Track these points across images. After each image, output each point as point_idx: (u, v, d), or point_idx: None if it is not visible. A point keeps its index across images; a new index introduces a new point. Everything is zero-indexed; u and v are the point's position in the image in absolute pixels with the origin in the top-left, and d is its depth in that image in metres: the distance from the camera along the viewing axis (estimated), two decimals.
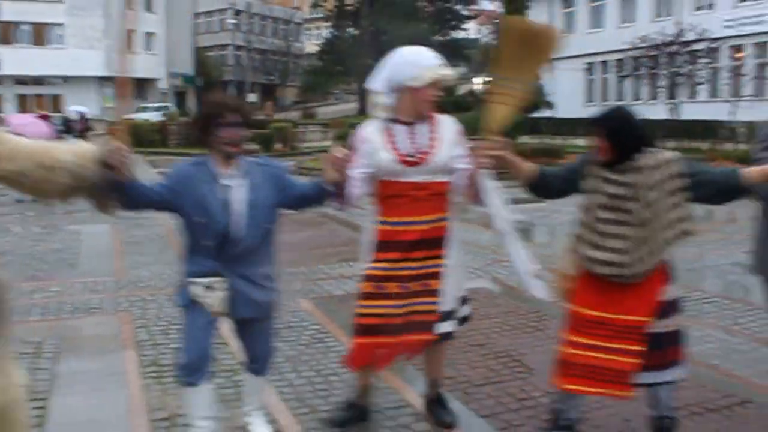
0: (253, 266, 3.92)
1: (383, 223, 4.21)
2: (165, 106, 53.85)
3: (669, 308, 3.95)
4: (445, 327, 4.27)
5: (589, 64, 43.09)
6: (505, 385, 5.27)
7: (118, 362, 5.82)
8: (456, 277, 4.31)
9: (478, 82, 55.65)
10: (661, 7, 38.56)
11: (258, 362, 4.21)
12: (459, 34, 62.48)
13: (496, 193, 4.22)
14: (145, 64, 59.91)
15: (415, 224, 4.16)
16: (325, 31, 71.37)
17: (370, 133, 4.20)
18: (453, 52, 60.39)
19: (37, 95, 56.14)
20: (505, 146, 4.13)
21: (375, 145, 4.14)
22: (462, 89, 56.38)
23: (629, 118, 3.89)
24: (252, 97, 59.34)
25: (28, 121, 22.10)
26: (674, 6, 37.07)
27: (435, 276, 4.21)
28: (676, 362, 3.99)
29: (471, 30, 66.36)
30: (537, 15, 38.71)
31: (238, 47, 73.96)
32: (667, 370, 3.96)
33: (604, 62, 42.28)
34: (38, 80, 56.28)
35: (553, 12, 44.62)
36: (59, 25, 55.61)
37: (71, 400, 5.08)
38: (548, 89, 34.70)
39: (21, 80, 55.57)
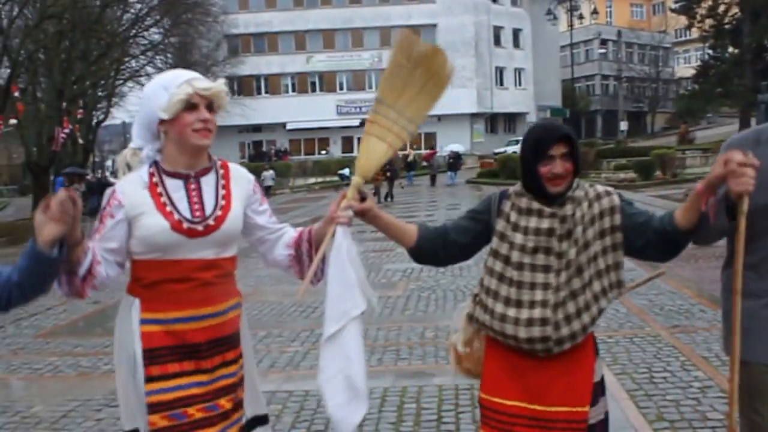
0: None
1: (151, 322, 2.91)
2: None
3: (598, 391, 3.01)
4: None
5: None
6: None
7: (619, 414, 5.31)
8: (251, 381, 3.15)
9: None
10: None
11: None
12: None
13: (351, 262, 3.01)
14: (514, 99, 60.92)
15: (202, 319, 2.94)
16: (696, 53, 67.83)
17: (130, 191, 2.92)
18: None
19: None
20: (369, 197, 3.08)
21: (138, 207, 2.88)
22: None
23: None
24: (623, 126, 57.49)
25: None
26: None
27: (232, 389, 3.01)
28: None
29: None
30: None
31: (605, 77, 72.77)
32: None
33: None
34: None
35: None
36: None
37: None
38: None
39: None
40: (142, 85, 40.51)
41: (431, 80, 3.15)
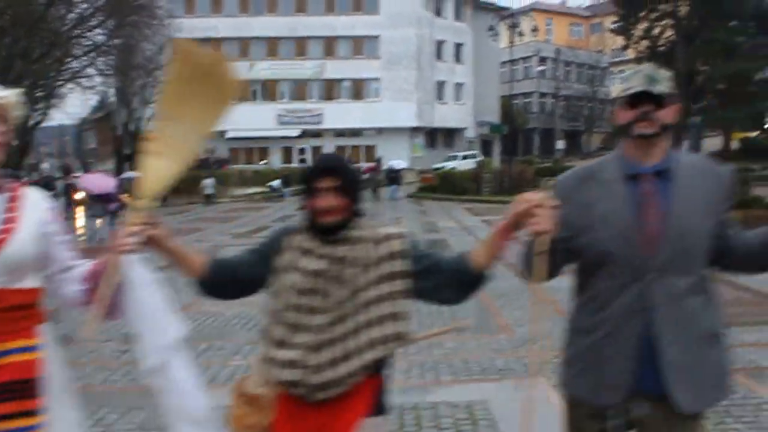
0: None
1: None
2: (473, 155, 54.86)
3: None
4: None
5: None
6: None
7: None
8: None
9: None
10: None
11: None
12: None
13: (148, 290, 2.80)
14: (453, 114, 61.47)
15: None
16: None
17: None
18: None
19: (353, 146, 59.21)
20: (155, 221, 2.83)
21: None
22: None
23: (355, 169, 2.93)
24: (560, 144, 58.46)
25: (96, 176, 23.51)
26: None
27: None
28: None
29: None
30: None
31: (543, 94, 73.84)
32: None
33: None
34: (355, 132, 59.34)
35: None
36: (376, 80, 58.46)
37: None
38: None
39: (340, 133, 59.15)
40: (83, 86, 39.91)
41: (215, 91, 2.99)
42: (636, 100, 2.77)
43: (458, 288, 2.81)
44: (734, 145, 55.97)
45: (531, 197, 2.60)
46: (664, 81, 2.78)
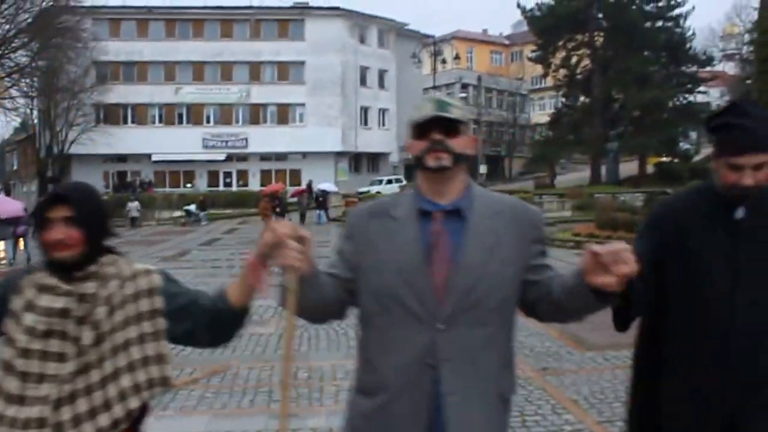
0: None
1: None
2: (397, 179, 55.61)
3: None
4: None
5: None
6: None
7: None
8: None
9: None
10: None
11: None
12: (696, 98, 59.99)
13: None
14: (378, 139, 62.24)
15: None
16: (550, 101, 71.08)
17: None
18: (688, 116, 58.30)
19: (278, 170, 59.50)
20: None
21: None
22: (699, 155, 54.17)
23: (100, 199, 2.60)
24: (482, 169, 59.60)
25: (3, 200, 23.88)
26: None
27: None
28: None
29: (709, 93, 63.73)
30: None
31: None
32: None
33: None
34: (280, 156, 59.63)
35: None
36: (301, 105, 58.96)
37: None
38: None
39: (265, 157, 59.30)
40: (5, 108, 39.45)
41: None
42: (427, 128, 2.49)
43: (215, 330, 2.59)
44: (650, 169, 57.82)
45: (279, 228, 2.36)
46: (457, 107, 2.52)
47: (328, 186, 43.14)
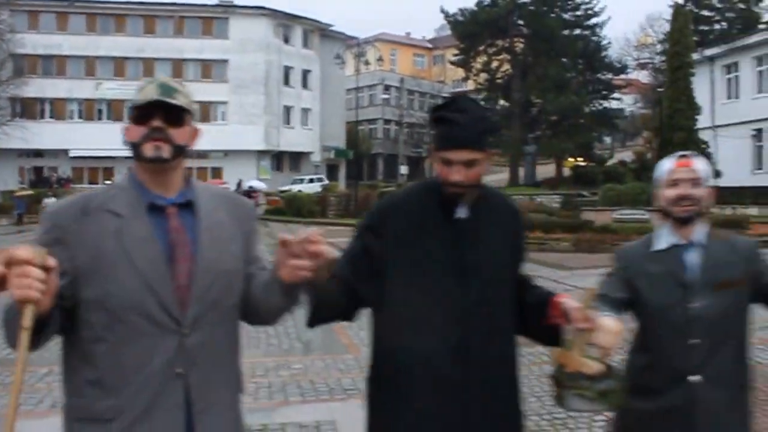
0: None
1: None
2: (319, 178, 55.90)
3: None
4: None
5: (757, 130, 41.71)
6: None
7: None
8: None
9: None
10: None
11: None
12: (611, 104, 61.93)
13: None
14: (300, 138, 62.39)
15: None
16: None
17: None
18: (603, 122, 60.20)
19: (199, 168, 59.15)
20: None
21: None
22: (613, 159, 55.91)
23: None
24: (403, 169, 60.31)
25: None
26: None
27: None
28: None
29: (623, 100, 65.81)
30: (699, 82, 38.07)
31: (387, 121, 75.70)
32: None
33: None
34: (202, 154, 59.22)
35: (714, 78, 43.84)
36: (223, 103, 58.72)
37: None
38: (713, 157, 33.91)
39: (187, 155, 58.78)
40: None
41: None
42: (148, 113, 2.27)
43: None
44: (566, 172, 59.32)
45: (19, 252, 1.90)
46: (183, 94, 2.32)
47: (257, 183, 42.96)
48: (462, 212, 2.72)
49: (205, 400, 2.30)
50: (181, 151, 2.31)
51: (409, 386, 2.66)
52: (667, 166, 3.06)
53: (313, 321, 2.62)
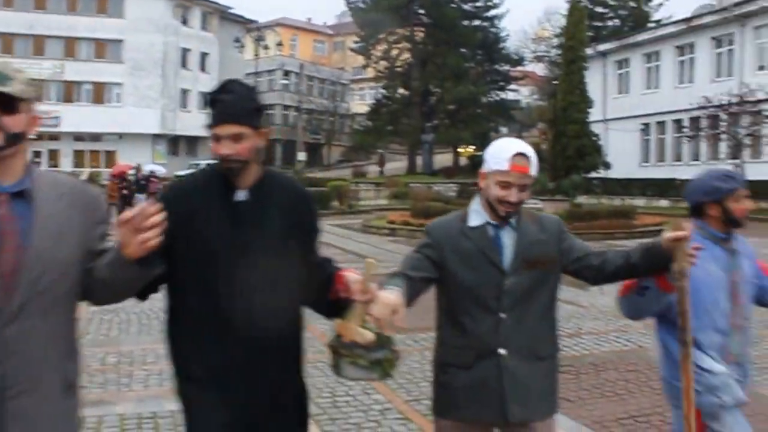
0: None
1: None
2: (216, 163, 55.07)
3: None
4: None
5: (645, 124, 43.21)
6: None
7: None
8: None
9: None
10: (721, 68, 38.61)
11: None
12: (508, 95, 63.15)
13: None
14: (197, 122, 61.38)
15: None
16: (371, 91, 72.49)
17: None
18: (500, 112, 61.30)
19: (92, 151, 57.61)
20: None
21: None
22: None
23: None
24: (301, 156, 60.03)
25: None
26: (735, 67, 37.14)
27: None
28: None
29: (520, 91, 67.14)
30: (592, 76, 39.10)
31: (286, 107, 75.22)
32: None
33: (661, 123, 42.29)
34: (95, 137, 57.69)
35: (606, 73, 45.19)
36: (118, 84, 57.20)
37: None
38: (604, 149, 34.89)
39: (79, 137, 57.15)
40: None
41: None
42: None
43: None
44: (463, 161, 60.15)
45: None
46: (19, 81, 2.31)
47: (158, 168, 42.04)
48: (242, 195, 2.86)
49: (18, 388, 2.29)
50: (16, 139, 2.31)
51: (199, 344, 2.87)
52: (504, 155, 3.04)
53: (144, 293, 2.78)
